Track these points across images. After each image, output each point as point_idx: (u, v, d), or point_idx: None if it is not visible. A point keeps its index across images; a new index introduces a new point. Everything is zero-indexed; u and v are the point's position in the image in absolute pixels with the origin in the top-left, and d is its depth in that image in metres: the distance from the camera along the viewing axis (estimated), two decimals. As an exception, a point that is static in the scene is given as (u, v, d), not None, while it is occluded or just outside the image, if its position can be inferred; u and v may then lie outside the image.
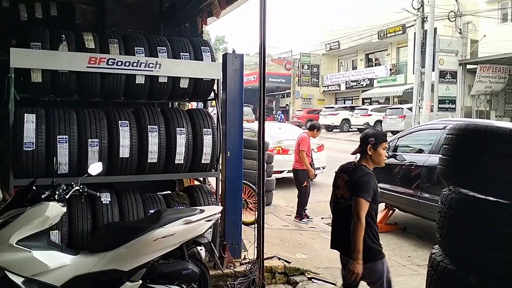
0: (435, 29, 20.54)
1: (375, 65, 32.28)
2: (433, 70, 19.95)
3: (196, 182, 5.54)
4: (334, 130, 26.95)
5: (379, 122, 23.92)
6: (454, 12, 21.35)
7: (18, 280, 3.07)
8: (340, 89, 34.72)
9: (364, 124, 24.87)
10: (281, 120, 33.60)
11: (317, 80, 36.74)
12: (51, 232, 3.65)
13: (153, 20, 6.51)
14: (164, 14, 6.55)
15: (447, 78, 20.89)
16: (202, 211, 3.72)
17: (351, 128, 26.25)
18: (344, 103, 32.86)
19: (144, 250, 3.39)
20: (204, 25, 5.99)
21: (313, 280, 4.58)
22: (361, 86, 31.74)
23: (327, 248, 5.96)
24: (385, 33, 28.10)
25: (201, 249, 3.82)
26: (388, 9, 25.50)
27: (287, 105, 39.62)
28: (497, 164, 2.14)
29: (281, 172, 10.12)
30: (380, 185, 7.13)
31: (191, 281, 3.61)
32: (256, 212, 6.44)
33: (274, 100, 45.38)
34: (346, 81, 33.55)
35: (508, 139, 2.13)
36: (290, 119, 32.72)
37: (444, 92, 20.86)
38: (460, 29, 21.73)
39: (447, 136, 2.44)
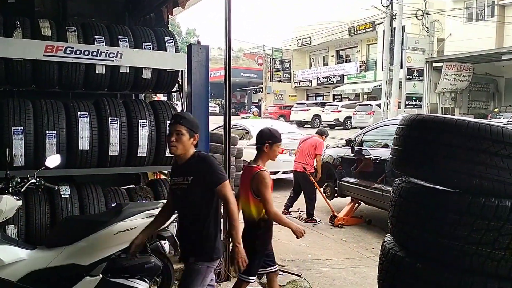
0: (403, 27, 20.98)
1: (346, 62, 32.70)
2: (401, 68, 20.40)
3: (163, 176, 5.49)
4: (305, 126, 27.15)
5: (348, 118, 24.29)
6: (422, 11, 21.90)
7: (-30, 276, 2.95)
8: (311, 85, 35.02)
9: (334, 120, 25.20)
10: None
11: (289, 76, 36.92)
12: (7, 226, 3.51)
13: (117, 10, 6.32)
14: (129, 3, 6.37)
15: (414, 76, 21.45)
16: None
17: (322, 124, 26.52)
18: (316, 99, 33.14)
19: (104, 244, 3.31)
20: (169, 15, 5.89)
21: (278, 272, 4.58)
22: (332, 82, 32.11)
23: (294, 241, 6.04)
24: (356, 30, 28.47)
25: (164, 243, 3.77)
26: (359, 6, 25.82)
27: (259, 100, 39.67)
28: (442, 153, 2.19)
29: (275, 173, 9.61)
30: (346, 179, 7.38)
31: (154, 274, 3.55)
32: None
33: (246, 95, 45.39)
34: (317, 77, 33.85)
35: (453, 129, 2.17)
36: (262, 115, 32.75)
37: (411, 89, 21.43)
38: (427, 28, 22.33)
39: (398, 126, 2.49)
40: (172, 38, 4.52)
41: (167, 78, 4.48)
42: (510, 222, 2.05)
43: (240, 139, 10.47)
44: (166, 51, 4.43)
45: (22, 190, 3.22)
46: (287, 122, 22.71)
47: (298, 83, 36.32)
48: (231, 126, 11.83)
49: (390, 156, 2.62)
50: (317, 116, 26.84)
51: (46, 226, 3.73)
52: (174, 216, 3.71)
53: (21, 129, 3.64)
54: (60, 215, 3.79)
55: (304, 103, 29.25)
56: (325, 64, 34.89)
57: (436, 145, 2.22)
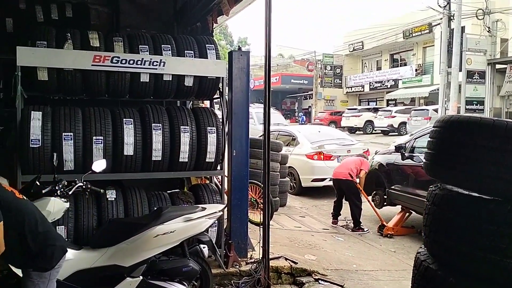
0: (463, 28, 19.95)
1: (400, 66, 31.63)
2: (460, 70, 19.37)
3: (208, 181, 5.58)
4: (357, 132, 26.55)
5: (403, 124, 23.41)
6: (483, 10, 20.71)
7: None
8: (363, 90, 34.22)
9: (388, 126, 24.40)
10: (303, 122, 33.35)
11: (340, 81, 36.34)
12: (56, 227, 3.70)
13: (167, 21, 6.56)
14: (177, 14, 6.59)
15: (475, 78, 20.25)
16: (203, 209, 3.72)
17: (375, 130, 25.81)
18: (368, 105, 32.32)
19: (144, 246, 3.41)
20: (214, 24, 6.00)
21: (319, 281, 4.49)
22: (386, 87, 31.18)
23: (338, 250, 5.92)
24: (411, 33, 27.50)
25: (204, 247, 3.81)
26: (414, 7, 24.96)
27: (309, 106, 39.38)
28: (477, 157, 2.02)
29: (322, 180, 9.42)
30: (396, 187, 7.09)
31: (192, 278, 3.60)
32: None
33: (296, 102, 45.21)
34: (370, 82, 33.03)
35: (490, 130, 1.99)
36: (312, 121, 32.45)
37: (472, 92, 20.23)
38: (488, 28, 21.07)
39: (432, 129, 2.32)
40: (213, 45, 4.59)
41: (209, 85, 4.55)
42: None
43: (286, 145, 10.43)
44: (207, 58, 4.51)
45: (70, 193, 3.39)
46: (337, 128, 22.30)
47: (350, 88, 35.65)
48: (279, 133, 11.82)
49: (424, 160, 2.46)
50: (369, 122, 26.17)
51: (93, 227, 3.89)
52: (213, 220, 3.76)
53: (71, 135, 3.84)
54: (106, 218, 3.94)
55: (355, 109, 28.64)
56: (378, 68, 33.99)
57: (470, 148, 2.05)
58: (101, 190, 3.77)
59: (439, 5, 20.20)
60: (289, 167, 9.63)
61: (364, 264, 5.37)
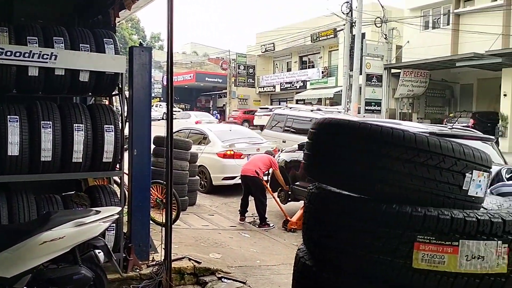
0: (363, 34, 21.44)
1: (309, 67, 33.09)
2: (361, 74, 20.83)
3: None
4: (269, 130, 27.25)
5: (311, 123, 24.48)
6: (381, 18, 22.46)
7: None
8: (275, 90, 35.23)
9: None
10: (218, 120, 33.44)
11: (253, 81, 37.02)
12: None
13: (67, 12, 6.11)
14: (78, 6, 6.18)
15: (373, 81, 21.96)
16: (98, 212, 3.52)
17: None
18: (279, 104, 33.31)
19: (29, 255, 3.13)
20: (117, 18, 5.73)
21: (222, 279, 4.52)
22: (295, 88, 32.42)
23: (244, 247, 6.01)
24: (318, 36, 28.88)
25: (99, 252, 3.61)
26: (320, 13, 26.26)
27: (224, 105, 39.58)
28: (346, 157, 2.14)
29: (233, 178, 9.40)
30: (299, 183, 7.40)
31: (84, 286, 3.38)
32: (175, 212, 6.34)
33: (211, 100, 45.16)
34: (281, 83, 34.09)
35: (355, 132, 2.13)
36: (227, 119, 32.65)
37: (371, 94, 21.92)
38: (385, 35, 22.94)
39: (310, 130, 2.44)
40: (111, 39, 4.37)
41: (107, 81, 4.31)
42: (410, 230, 2.00)
43: (198, 144, 10.36)
44: (105, 53, 4.28)
45: None
46: (250, 127, 22.67)
47: (262, 88, 36.48)
48: (190, 131, 11.69)
49: (303, 160, 2.59)
50: (280, 121, 26.96)
51: (-29, 236, 3.49)
52: (108, 223, 3.59)
53: None
54: (-14, 225, 3.57)
55: (267, 108, 29.32)
56: (289, 69, 35.21)
57: (339, 149, 2.17)
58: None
59: (342, 12, 21.50)
60: (200, 165, 9.58)
61: (268, 260, 5.51)
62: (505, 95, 18.57)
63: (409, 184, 2.04)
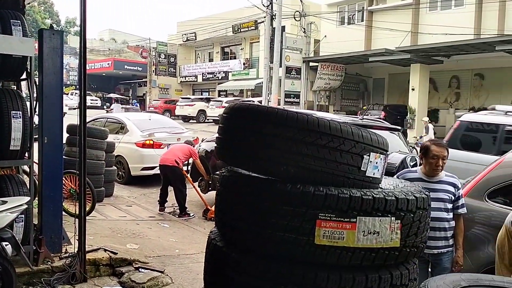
0: (283, 27, 21.96)
1: (230, 59, 33.25)
2: (280, 66, 21.37)
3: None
4: (191, 121, 27.01)
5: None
6: (299, 12, 23.22)
7: None
8: (197, 81, 34.94)
9: (219, 115, 25.44)
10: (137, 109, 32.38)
11: (174, 70, 36.36)
12: None
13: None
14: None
15: (292, 74, 22.69)
16: (4, 202, 3.35)
17: (207, 119, 26.65)
18: (201, 95, 33.17)
19: None
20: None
21: (140, 269, 4.48)
22: (217, 78, 32.42)
23: (162, 236, 6.00)
24: (239, 28, 29.08)
25: (6, 245, 3.42)
26: (241, 4, 26.43)
27: (144, 94, 38.42)
28: (254, 141, 2.26)
29: (152, 168, 9.14)
30: (219, 172, 7.49)
31: (-12, 281, 3.21)
32: (90, 203, 6.13)
33: (130, 89, 43.57)
34: (202, 73, 33.87)
35: (263, 116, 2.26)
36: (147, 109, 31.75)
37: (290, 87, 22.63)
38: (304, 29, 23.73)
39: (221, 115, 2.54)
40: (19, 21, 4.10)
41: (14, 64, 4.06)
42: (312, 208, 2.14)
43: (115, 133, 10.03)
44: (12, 35, 4.01)
45: None
46: (171, 117, 22.30)
47: (184, 78, 35.98)
48: (107, 120, 11.30)
49: (215, 145, 2.69)
50: (202, 112, 26.85)
51: None
52: (15, 214, 3.42)
53: None
54: None
55: (189, 98, 29.06)
56: (211, 60, 35.08)
57: (247, 133, 2.28)
58: None
59: (263, 4, 21.84)
60: (118, 155, 9.28)
61: (187, 248, 5.56)
62: (413, 89, 20.17)
63: (312, 165, 2.19)
